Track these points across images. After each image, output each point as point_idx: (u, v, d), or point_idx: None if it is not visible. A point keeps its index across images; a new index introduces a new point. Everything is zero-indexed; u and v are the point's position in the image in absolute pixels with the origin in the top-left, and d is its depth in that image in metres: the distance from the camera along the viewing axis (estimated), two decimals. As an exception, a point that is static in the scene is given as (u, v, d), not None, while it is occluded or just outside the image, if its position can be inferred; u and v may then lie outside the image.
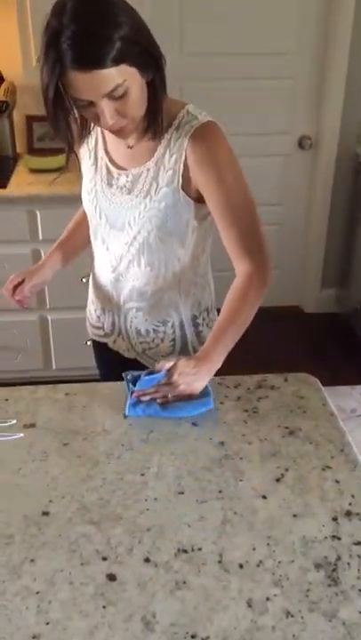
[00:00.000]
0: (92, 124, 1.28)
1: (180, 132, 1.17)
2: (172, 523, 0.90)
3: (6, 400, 1.17)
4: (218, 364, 1.16)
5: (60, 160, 2.47)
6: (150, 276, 1.30)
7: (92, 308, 1.49)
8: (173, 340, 1.38)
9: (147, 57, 1.05)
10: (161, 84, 1.12)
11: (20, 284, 1.45)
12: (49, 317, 2.48)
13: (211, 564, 0.84)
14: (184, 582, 0.81)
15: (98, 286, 1.43)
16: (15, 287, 1.44)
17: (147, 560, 0.84)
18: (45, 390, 1.21)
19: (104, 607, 0.78)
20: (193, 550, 0.86)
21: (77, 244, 1.51)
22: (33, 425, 1.10)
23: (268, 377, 1.24)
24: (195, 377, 1.13)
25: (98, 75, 0.99)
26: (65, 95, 1.02)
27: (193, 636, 0.74)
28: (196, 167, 1.17)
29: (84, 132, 1.29)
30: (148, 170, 1.21)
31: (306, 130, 2.92)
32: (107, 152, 1.28)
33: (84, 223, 1.43)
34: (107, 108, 1.05)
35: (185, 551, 0.86)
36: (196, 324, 1.38)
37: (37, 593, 0.80)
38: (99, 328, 1.48)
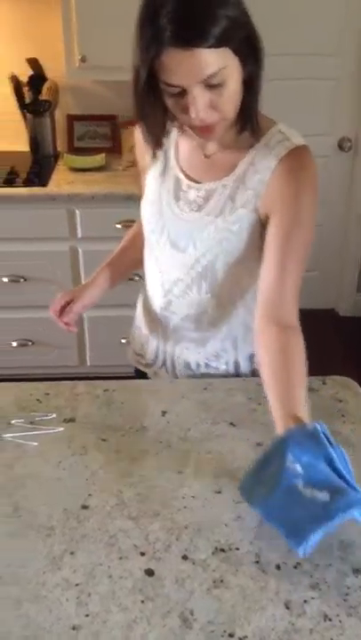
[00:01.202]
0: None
1: (270, 151, 1.06)
2: (209, 521, 0.91)
3: (47, 394, 1.19)
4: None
5: (100, 159, 2.51)
6: (209, 305, 1.20)
7: (136, 333, 1.40)
8: (226, 371, 1.29)
9: (250, 46, 0.95)
10: (258, 83, 1.01)
11: (67, 304, 1.35)
12: (85, 315, 2.51)
13: (248, 565, 0.84)
14: (221, 581, 0.82)
15: (146, 309, 1.34)
16: (62, 308, 1.35)
17: (184, 557, 0.85)
18: (85, 386, 1.23)
19: (142, 602, 0.79)
20: (230, 550, 0.86)
21: (128, 265, 1.41)
22: (72, 420, 1.12)
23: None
24: None
25: (198, 54, 0.88)
26: (157, 80, 0.93)
27: (230, 635, 0.75)
28: (277, 194, 1.06)
29: (164, 131, 1.13)
30: (225, 186, 1.11)
31: (346, 131, 2.90)
32: (178, 161, 1.17)
33: (137, 243, 1.33)
34: (200, 96, 0.93)
35: (222, 550, 0.86)
36: (253, 362, 1.28)
37: (77, 585, 0.81)
38: (140, 355, 1.39)
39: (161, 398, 1.18)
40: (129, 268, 1.42)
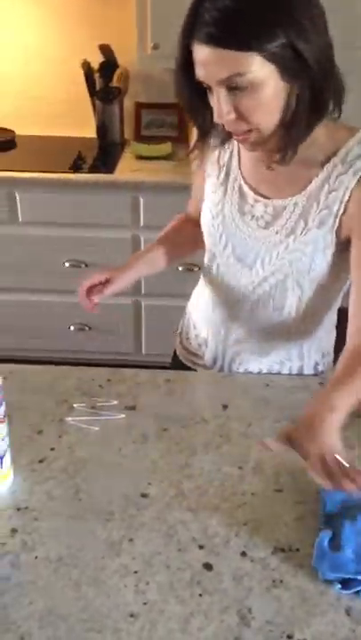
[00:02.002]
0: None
1: (348, 167, 0.99)
2: (269, 520, 0.89)
3: (108, 380, 1.20)
4: (342, 410, 0.90)
5: (166, 148, 2.50)
6: (278, 320, 1.17)
7: (193, 332, 1.34)
8: (289, 373, 1.26)
9: (295, 60, 0.87)
10: (314, 104, 0.92)
11: (100, 283, 1.25)
12: (142, 303, 2.52)
13: (308, 567, 0.82)
14: (281, 581, 0.80)
15: (206, 313, 1.28)
16: (94, 286, 1.25)
17: (243, 554, 0.84)
18: (146, 375, 1.23)
19: (200, 595, 0.78)
20: (291, 550, 0.85)
21: (184, 242, 1.33)
22: (133, 407, 1.12)
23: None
24: (318, 433, 0.87)
25: (218, 53, 0.85)
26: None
27: (289, 637, 0.74)
28: (357, 215, 1.00)
29: (213, 129, 1.04)
30: (296, 204, 1.04)
31: None
32: (241, 171, 1.11)
33: (188, 227, 1.30)
34: (223, 99, 0.90)
35: (282, 550, 0.85)
36: (317, 370, 1.27)
37: (135, 572, 0.81)
38: (195, 355, 1.34)
39: (222, 392, 1.17)
40: (184, 247, 1.34)
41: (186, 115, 1.05)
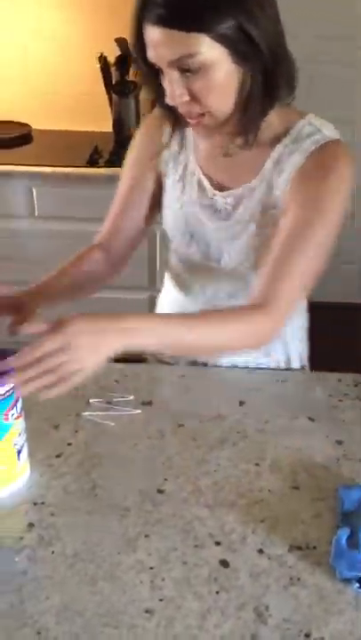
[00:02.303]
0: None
1: (298, 147, 0.99)
2: (286, 517, 0.89)
3: (125, 376, 1.20)
4: (139, 338, 0.83)
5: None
6: None
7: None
8: (277, 367, 1.25)
9: (246, 43, 0.87)
10: (267, 86, 0.92)
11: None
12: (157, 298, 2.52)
13: (325, 565, 0.82)
14: (298, 579, 0.80)
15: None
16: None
17: (260, 551, 0.84)
18: (162, 370, 1.23)
19: (217, 592, 0.78)
20: (308, 548, 0.84)
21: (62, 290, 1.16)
22: (149, 403, 1.12)
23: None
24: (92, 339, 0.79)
25: (167, 34, 0.85)
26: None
27: (307, 635, 0.73)
28: (301, 182, 0.99)
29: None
30: (253, 189, 1.04)
31: None
32: (199, 163, 1.10)
33: (83, 266, 1.17)
34: (174, 81, 0.89)
35: (299, 548, 0.84)
36: (297, 345, 1.27)
37: (151, 568, 0.81)
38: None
39: (238, 388, 1.16)
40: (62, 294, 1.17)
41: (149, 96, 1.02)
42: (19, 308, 1.02)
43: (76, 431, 1.05)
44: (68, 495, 0.92)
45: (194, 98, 0.92)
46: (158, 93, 0.96)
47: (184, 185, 1.12)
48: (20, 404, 0.90)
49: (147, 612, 0.75)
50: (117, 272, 1.24)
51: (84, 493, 0.92)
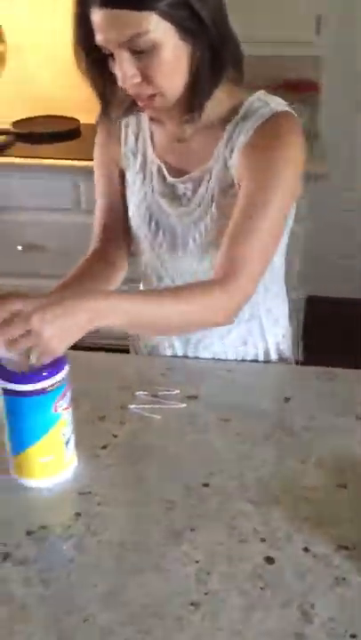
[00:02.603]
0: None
1: (247, 123, 1.00)
2: (332, 516, 0.88)
3: (171, 369, 1.20)
4: (105, 318, 0.85)
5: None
6: None
7: (140, 343, 1.29)
8: (256, 355, 1.25)
9: (193, 20, 0.89)
10: (214, 62, 0.93)
11: None
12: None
13: (373, 566, 0.81)
14: (344, 579, 0.79)
15: None
16: None
17: (306, 550, 0.83)
18: (207, 364, 1.23)
19: (261, 588, 0.78)
20: (355, 548, 0.83)
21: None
22: (195, 397, 1.12)
23: None
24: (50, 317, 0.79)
25: (117, 15, 0.87)
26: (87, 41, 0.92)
27: (353, 636, 0.72)
28: (248, 162, 1.00)
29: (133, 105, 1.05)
30: (210, 171, 1.05)
31: None
32: (156, 152, 1.11)
33: (95, 270, 1.16)
34: (126, 62, 0.90)
35: (346, 548, 0.83)
36: (281, 353, 1.26)
37: (197, 562, 0.81)
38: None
39: (284, 384, 1.16)
40: None
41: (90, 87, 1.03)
42: None
43: (122, 423, 1.06)
44: (114, 486, 0.93)
45: (145, 78, 0.93)
46: (105, 85, 0.99)
47: (144, 175, 1.12)
48: (69, 396, 0.92)
49: (192, 604, 0.76)
50: (120, 271, 1.22)
51: (129, 485, 0.93)
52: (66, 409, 0.92)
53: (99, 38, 0.91)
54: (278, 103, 1.02)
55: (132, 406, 1.09)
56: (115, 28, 0.88)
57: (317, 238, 2.62)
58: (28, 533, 0.86)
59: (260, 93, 1.04)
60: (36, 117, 2.63)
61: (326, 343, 2.81)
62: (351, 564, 0.81)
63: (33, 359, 0.81)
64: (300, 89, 2.61)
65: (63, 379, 0.89)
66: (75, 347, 1.23)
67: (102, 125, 1.18)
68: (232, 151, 1.02)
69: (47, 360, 0.83)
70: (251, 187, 0.99)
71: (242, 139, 1.01)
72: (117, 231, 1.20)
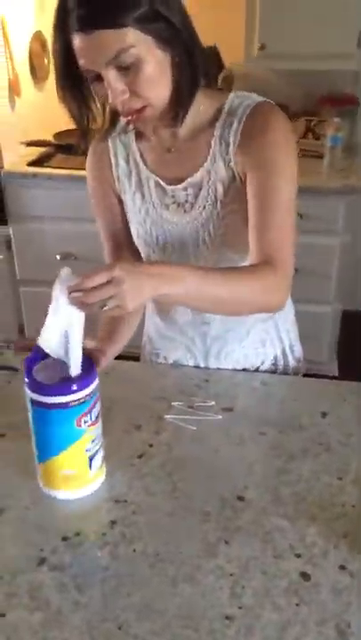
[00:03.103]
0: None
1: (235, 117, 1.03)
2: (370, 534, 0.87)
3: (206, 381, 1.20)
4: (172, 286, 0.86)
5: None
6: None
7: (160, 356, 1.32)
8: (275, 357, 1.28)
9: (167, 27, 0.92)
10: (190, 66, 0.96)
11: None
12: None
13: None
14: (381, 599, 0.78)
15: (169, 333, 1.28)
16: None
17: (342, 567, 0.82)
18: (243, 377, 1.23)
19: (297, 605, 0.77)
20: (393, 568, 0.82)
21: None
22: (231, 409, 1.12)
23: None
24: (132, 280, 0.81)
25: (99, 36, 0.88)
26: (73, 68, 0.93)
27: (390, 658, 0.71)
28: (246, 151, 1.02)
29: (110, 127, 1.08)
30: (208, 171, 1.06)
31: None
32: (148, 167, 1.12)
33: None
34: (114, 80, 0.92)
35: (384, 567, 0.82)
36: (295, 356, 1.30)
37: (231, 575, 0.81)
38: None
39: (321, 398, 1.15)
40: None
41: (69, 111, 1.03)
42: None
43: (158, 433, 1.06)
44: (150, 495, 0.93)
45: (133, 92, 0.94)
46: (85, 112, 1.01)
47: (143, 193, 1.13)
48: (96, 412, 0.91)
49: (226, 618, 0.75)
50: None
51: (165, 495, 0.94)
52: (92, 425, 0.90)
53: (85, 62, 0.92)
54: (256, 96, 1.06)
55: (168, 416, 1.10)
56: (99, 48, 0.90)
57: (354, 252, 2.60)
58: (64, 539, 0.86)
59: (238, 92, 1.08)
60: (76, 129, 2.67)
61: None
62: (389, 584, 0.79)
63: (107, 310, 0.83)
64: (339, 103, 2.61)
65: (89, 395, 0.88)
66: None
67: (92, 158, 1.18)
68: (228, 146, 1.05)
69: (117, 314, 0.84)
70: (258, 175, 1.02)
71: (233, 131, 1.04)
72: (127, 255, 1.21)
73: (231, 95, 1.07)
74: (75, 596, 0.78)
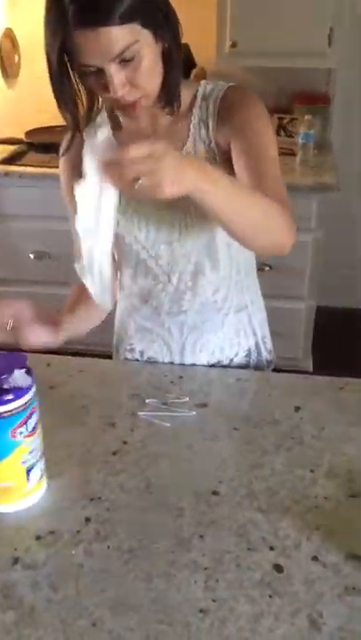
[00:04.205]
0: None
1: (209, 100, 1.08)
2: (342, 525, 0.88)
3: (180, 377, 1.21)
4: (208, 184, 0.83)
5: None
6: (219, 279, 1.19)
7: (136, 351, 1.32)
8: (248, 349, 1.30)
9: (162, 18, 0.94)
10: (178, 54, 0.99)
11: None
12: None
13: (382, 576, 0.80)
14: (353, 588, 0.79)
15: (143, 329, 1.29)
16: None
17: (315, 558, 0.83)
18: (217, 373, 1.23)
19: (270, 597, 0.78)
20: (364, 558, 0.83)
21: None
22: (205, 405, 1.13)
23: None
24: (169, 165, 0.78)
25: (105, 33, 0.88)
26: (71, 63, 0.93)
27: (362, 646, 0.72)
28: (225, 120, 1.06)
29: (91, 113, 1.08)
30: (189, 153, 1.09)
31: None
32: None
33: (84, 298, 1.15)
34: (116, 74, 0.92)
35: (356, 557, 0.83)
36: (261, 323, 1.32)
37: (205, 569, 0.81)
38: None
39: (294, 393, 1.16)
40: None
41: (62, 112, 1.02)
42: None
43: (132, 430, 1.06)
44: (124, 492, 0.93)
45: (132, 84, 0.95)
46: (75, 104, 1.00)
47: None
48: (33, 422, 0.88)
49: (200, 611, 0.76)
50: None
51: (139, 491, 0.94)
52: (29, 436, 0.88)
53: (87, 58, 0.91)
54: (227, 83, 1.10)
55: (142, 413, 1.10)
56: (106, 44, 0.89)
57: (327, 249, 2.63)
58: (38, 538, 0.86)
59: (205, 81, 1.12)
60: (48, 127, 2.66)
61: (335, 353, 2.81)
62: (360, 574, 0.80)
63: (141, 185, 0.78)
64: (311, 101, 2.63)
65: (25, 405, 0.85)
66: (58, 352, 1.22)
67: (65, 155, 1.17)
68: (207, 128, 1.08)
69: (152, 195, 0.79)
70: (244, 136, 1.05)
71: (211, 113, 1.08)
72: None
73: (203, 82, 1.11)
74: (48, 594, 0.78)
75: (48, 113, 2.65)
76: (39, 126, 2.71)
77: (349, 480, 0.95)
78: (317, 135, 2.52)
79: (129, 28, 0.89)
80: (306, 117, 2.47)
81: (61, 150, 1.17)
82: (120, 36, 0.89)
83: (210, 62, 2.45)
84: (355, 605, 0.76)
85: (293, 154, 2.49)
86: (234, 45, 2.27)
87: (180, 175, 0.79)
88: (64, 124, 1.06)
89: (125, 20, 0.88)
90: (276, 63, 2.37)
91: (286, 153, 2.51)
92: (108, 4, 0.87)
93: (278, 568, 0.82)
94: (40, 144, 2.60)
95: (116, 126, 1.14)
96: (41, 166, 2.47)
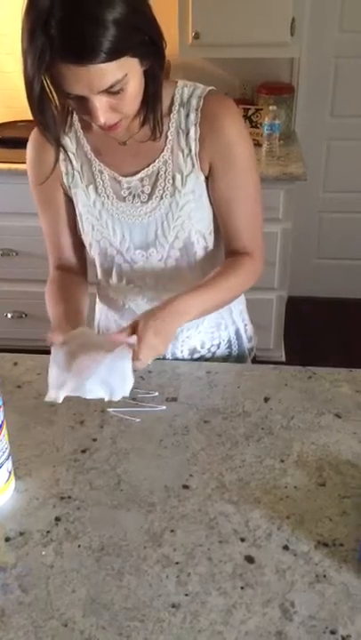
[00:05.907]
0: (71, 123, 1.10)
1: (188, 107, 1.05)
2: (312, 514, 0.88)
3: (150, 372, 1.20)
4: (190, 316, 1.03)
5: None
6: (197, 279, 1.15)
7: None
8: (229, 340, 1.33)
9: (148, 42, 0.91)
10: (160, 70, 0.98)
11: None
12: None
13: (352, 562, 0.81)
14: (324, 576, 0.79)
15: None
16: None
17: (285, 548, 0.83)
18: (187, 366, 1.23)
19: (242, 588, 0.78)
20: (334, 545, 0.83)
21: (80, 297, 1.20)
22: (175, 399, 1.12)
23: None
24: (163, 328, 0.98)
25: (93, 70, 0.85)
26: (51, 86, 0.91)
27: (332, 632, 0.73)
28: (209, 142, 1.06)
29: (65, 124, 1.09)
30: (165, 161, 1.07)
31: None
32: (101, 160, 1.11)
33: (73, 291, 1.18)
34: (100, 104, 0.91)
35: (326, 545, 0.83)
36: (242, 313, 1.35)
37: (177, 563, 0.81)
38: None
39: (264, 384, 1.16)
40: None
41: (41, 130, 1.01)
42: None
43: (102, 427, 1.06)
44: (94, 490, 0.93)
45: (115, 110, 0.94)
46: (52, 115, 0.97)
47: (96, 186, 1.12)
48: None
49: (173, 606, 0.76)
50: (86, 282, 1.26)
51: (109, 488, 0.93)
52: None
53: (74, 90, 0.89)
54: (202, 86, 1.08)
55: (112, 410, 1.09)
56: (96, 79, 0.87)
57: (295, 239, 2.64)
58: (7, 540, 0.85)
59: (181, 82, 1.09)
60: (15, 122, 2.62)
61: (307, 343, 2.83)
62: (331, 561, 0.81)
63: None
64: (275, 91, 2.63)
65: None
66: (26, 350, 1.21)
67: (33, 152, 1.15)
68: (187, 136, 1.06)
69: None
70: (226, 177, 1.08)
71: (191, 121, 1.06)
72: (76, 249, 1.23)
73: (180, 84, 1.08)
74: (18, 596, 0.77)
75: (15, 108, 2.62)
76: (5, 121, 2.66)
77: (318, 469, 0.96)
78: (282, 125, 2.53)
79: (118, 63, 0.87)
80: (271, 108, 2.47)
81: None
82: (109, 71, 0.87)
83: (174, 55, 2.43)
84: (325, 593, 0.77)
85: (259, 144, 2.49)
86: (197, 37, 2.25)
87: (168, 339, 0.99)
88: (30, 119, 1.02)
89: (114, 56, 0.85)
90: (238, 54, 2.36)
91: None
92: (94, 40, 0.83)
93: (250, 559, 0.82)
94: (5, 139, 2.56)
95: (86, 126, 1.11)
96: (8, 162, 2.43)
